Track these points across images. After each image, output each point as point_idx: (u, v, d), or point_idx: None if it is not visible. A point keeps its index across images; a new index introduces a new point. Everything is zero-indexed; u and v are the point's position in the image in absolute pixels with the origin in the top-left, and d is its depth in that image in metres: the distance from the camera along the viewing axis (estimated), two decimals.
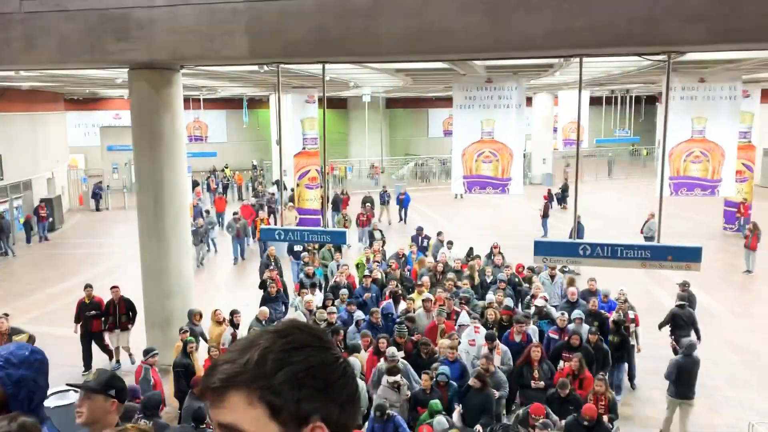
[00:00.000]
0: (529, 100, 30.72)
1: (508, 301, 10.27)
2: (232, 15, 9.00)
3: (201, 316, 9.88)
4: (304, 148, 19.74)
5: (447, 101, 36.47)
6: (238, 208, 20.70)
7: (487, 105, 12.11)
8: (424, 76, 20.59)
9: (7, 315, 9.47)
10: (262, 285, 11.50)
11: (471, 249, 14.08)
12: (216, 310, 9.98)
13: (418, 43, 8.41)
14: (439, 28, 8.24)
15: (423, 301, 9.79)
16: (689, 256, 8.64)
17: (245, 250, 18.65)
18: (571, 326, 9.15)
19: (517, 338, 9.02)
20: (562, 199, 25.10)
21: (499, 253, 13.06)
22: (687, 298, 10.50)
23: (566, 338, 8.90)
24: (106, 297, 11.14)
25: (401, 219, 23.11)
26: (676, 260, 8.66)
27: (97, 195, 27.43)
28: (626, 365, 9.84)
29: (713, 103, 11.96)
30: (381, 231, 17.57)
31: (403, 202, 23.22)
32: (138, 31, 9.34)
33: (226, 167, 34.94)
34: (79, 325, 10.91)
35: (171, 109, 10.23)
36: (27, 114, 22.61)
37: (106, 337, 11.10)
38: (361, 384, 7.61)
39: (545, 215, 20.99)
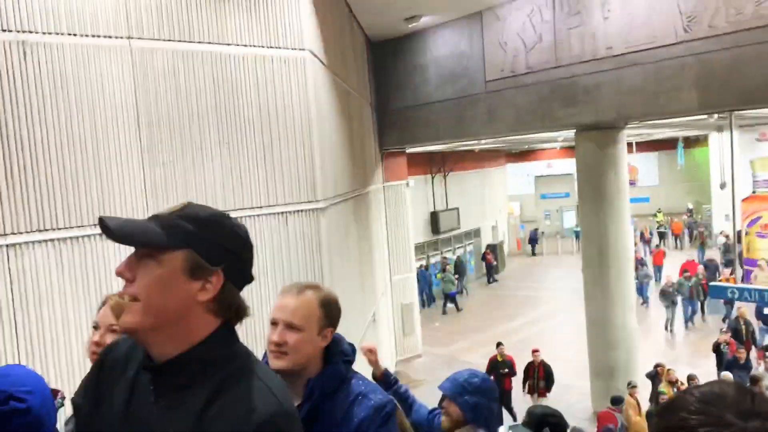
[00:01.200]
0: None
1: None
2: (679, 70, 8.95)
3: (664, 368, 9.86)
4: (754, 192, 17.84)
5: None
6: (682, 262, 18.99)
7: None
8: None
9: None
10: (716, 348, 10.74)
11: None
12: (669, 369, 9.80)
13: None
14: None
15: None
16: None
17: (697, 312, 16.50)
18: None
19: None
20: None
21: None
22: None
23: None
24: (518, 356, 11.52)
25: None
26: None
27: (533, 240, 29.61)
28: None
29: None
30: None
31: None
32: (585, 96, 10.08)
33: (659, 212, 33.55)
34: None
35: (615, 166, 10.61)
36: (476, 171, 26.13)
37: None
38: None
39: None
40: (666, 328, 15.89)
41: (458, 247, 23.75)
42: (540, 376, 10.90)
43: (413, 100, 12.73)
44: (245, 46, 6.60)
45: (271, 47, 6.82)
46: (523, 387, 11.07)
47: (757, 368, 10.03)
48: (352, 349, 2.18)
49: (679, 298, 16.03)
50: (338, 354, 2.11)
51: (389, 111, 13.20)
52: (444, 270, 20.88)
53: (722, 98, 8.70)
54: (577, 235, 28.81)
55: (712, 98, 8.74)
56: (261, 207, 6.48)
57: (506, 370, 11.08)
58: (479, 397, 2.83)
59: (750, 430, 0.95)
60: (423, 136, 12.93)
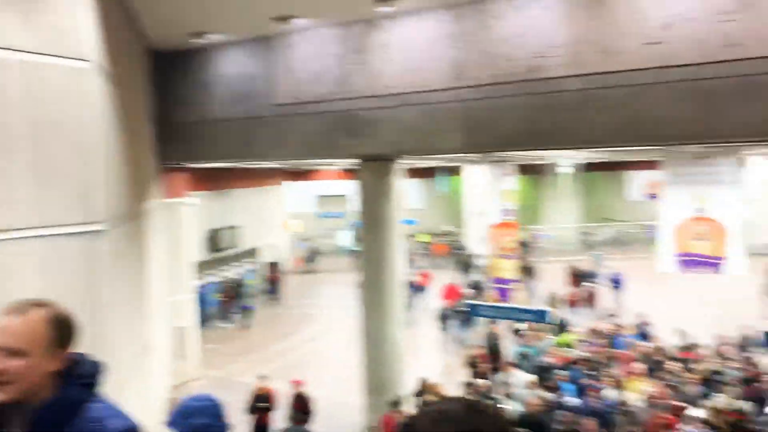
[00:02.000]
0: (743, 160, 28.39)
1: (741, 405, 9.45)
2: (448, 114, 10.02)
3: (429, 385, 10.74)
4: (502, 220, 20.38)
5: (647, 163, 34.94)
6: (446, 285, 19.62)
7: (700, 181, 11.83)
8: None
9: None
10: (471, 362, 12.04)
11: (685, 333, 13.32)
12: (437, 383, 10.77)
13: (627, 132, 8.69)
14: (649, 118, 8.47)
15: (649, 396, 9.46)
16: None
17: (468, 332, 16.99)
18: None
19: None
20: None
21: (726, 344, 12.25)
22: None
23: None
24: (293, 375, 11.57)
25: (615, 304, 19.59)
26: None
27: (311, 258, 30.34)
28: None
29: None
30: (617, 317, 15.45)
31: (617, 284, 20.21)
32: (366, 129, 10.76)
33: (423, 234, 36.50)
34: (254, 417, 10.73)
35: (390, 194, 11.47)
36: (257, 189, 26.12)
37: None
38: None
39: None
40: (442, 347, 16.81)
41: (237, 266, 23.44)
42: (297, 408, 10.48)
43: (198, 116, 12.42)
44: (14, 50, 5.98)
45: (44, 54, 6.26)
46: (285, 419, 10.53)
47: (502, 376, 11.45)
48: (97, 370, 2.00)
49: (452, 319, 16.80)
50: (75, 377, 1.92)
51: (172, 125, 12.69)
52: (238, 285, 20.58)
53: (482, 140, 9.93)
54: (352, 253, 30.20)
55: (474, 140, 9.93)
56: (29, 228, 5.87)
57: (264, 404, 10.80)
58: (203, 418, 2.82)
59: None
60: (208, 154, 12.66)
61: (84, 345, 2.06)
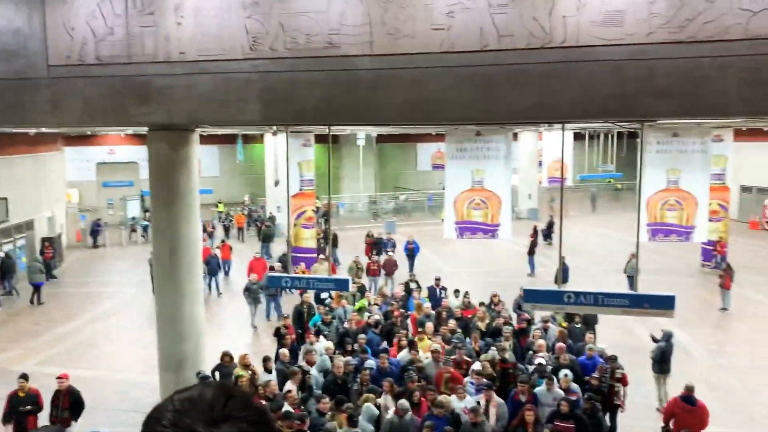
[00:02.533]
0: (514, 135, 31.83)
1: (509, 355, 10.59)
2: (246, 84, 9.86)
3: (231, 357, 10.62)
4: (301, 189, 20.65)
5: (435, 136, 37.57)
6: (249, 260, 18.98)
7: (477, 156, 13.05)
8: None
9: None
10: (277, 333, 12.16)
11: (467, 293, 14.64)
12: (245, 354, 10.72)
13: (416, 112, 9.31)
14: (435, 100, 9.15)
15: (432, 352, 10.33)
16: (664, 303, 9.50)
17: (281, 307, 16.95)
18: (559, 392, 9.27)
19: (523, 398, 9.14)
20: (547, 235, 26.03)
21: (499, 301, 13.74)
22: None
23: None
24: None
25: (410, 268, 20.74)
26: (652, 308, 9.52)
27: (95, 232, 27.99)
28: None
29: (686, 156, 12.98)
30: (417, 282, 16.18)
31: (413, 251, 21.13)
32: (158, 96, 10.18)
33: (220, 203, 35.59)
34: (10, 426, 9.46)
35: (187, 166, 11.03)
36: (30, 155, 23.33)
37: None
38: None
39: (531, 252, 21.90)
40: (249, 321, 16.46)
41: (7, 242, 20.89)
42: (65, 406, 9.51)
43: None
44: None
45: None
46: (49, 418, 9.56)
47: (306, 344, 11.79)
48: None
49: (262, 295, 16.64)
50: None
51: None
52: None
53: (281, 114, 9.95)
54: (144, 227, 28.43)
55: (274, 113, 9.90)
56: None
57: (29, 407, 9.53)
58: None
59: None
60: None
61: None
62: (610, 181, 40.13)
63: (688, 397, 9.19)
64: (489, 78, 8.96)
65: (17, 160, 22.12)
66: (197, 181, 11.41)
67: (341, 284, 11.63)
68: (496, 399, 9.19)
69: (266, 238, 24.80)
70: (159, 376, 11.53)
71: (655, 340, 11.77)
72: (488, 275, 20.66)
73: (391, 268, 19.39)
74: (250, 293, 16.39)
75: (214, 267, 19.50)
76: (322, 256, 18.58)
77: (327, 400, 8.92)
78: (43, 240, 22.25)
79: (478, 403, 8.92)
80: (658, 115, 8.94)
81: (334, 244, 22.17)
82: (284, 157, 24.85)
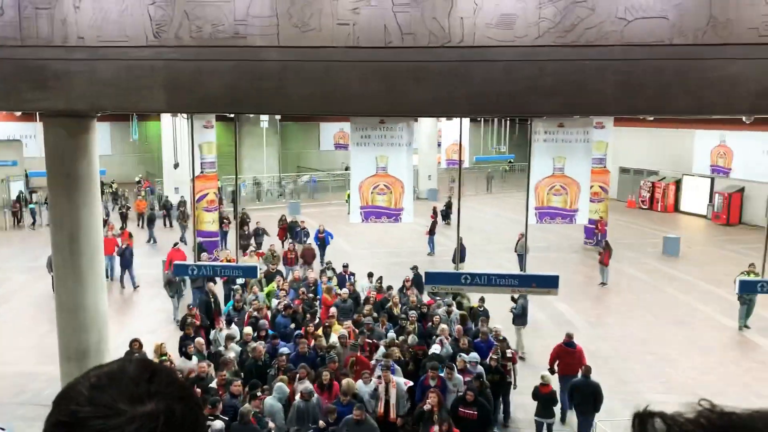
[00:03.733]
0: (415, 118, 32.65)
1: (411, 339, 11.18)
2: (149, 72, 9.77)
3: (141, 344, 10.59)
4: (202, 172, 20.37)
5: (338, 116, 37.74)
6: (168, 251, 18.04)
7: (381, 143, 13.57)
8: None
9: None
10: (183, 323, 12.15)
11: (380, 278, 15.11)
12: (162, 343, 10.71)
13: (322, 103, 9.63)
14: (341, 93, 9.51)
15: (339, 337, 10.77)
16: (549, 283, 10.49)
17: None
18: (459, 377, 9.88)
19: (432, 383, 9.59)
20: (446, 215, 27.14)
21: (412, 285, 14.34)
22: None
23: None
24: None
25: (321, 258, 20.17)
26: (539, 286, 10.49)
27: None
28: (501, 404, 10.85)
29: (570, 145, 14.11)
30: (333, 269, 16.23)
31: (324, 240, 20.70)
32: (55, 82, 9.86)
33: (113, 183, 34.16)
34: None
35: (87, 153, 10.77)
36: None
37: None
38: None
39: (432, 232, 22.86)
40: (174, 319, 15.44)
41: None
42: None
43: None
44: None
45: None
46: None
47: (216, 332, 11.90)
48: None
49: (174, 282, 15.71)
50: None
51: None
52: None
53: (187, 102, 9.94)
54: (32, 211, 26.90)
55: (178, 101, 9.89)
56: None
57: None
58: None
59: (139, 417, 0.82)
60: None
61: None
62: (510, 162, 41.94)
63: (569, 342, 11.29)
64: (392, 73, 9.42)
65: None
66: (97, 167, 11.16)
67: (249, 271, 11.82)
68: (395, 379, 9.64)
69: (150, 222, 24.15)
70: (60, 366, 11.29)
71: (514, 300, 13.31)
72: (390, 255, 21.40)
73: (310, 257, 19.20)
74: (172, 286, 15.60)
75: (128, 258, 18.56)
76: (253, 249, 18.41)
77: (239, 382, 9.21)
78: None
79: (376, 389, 9.40)
80: (545, 113, 9.78)
81: (242, 225, 21.99)
82: (182, 138, 24.32)
